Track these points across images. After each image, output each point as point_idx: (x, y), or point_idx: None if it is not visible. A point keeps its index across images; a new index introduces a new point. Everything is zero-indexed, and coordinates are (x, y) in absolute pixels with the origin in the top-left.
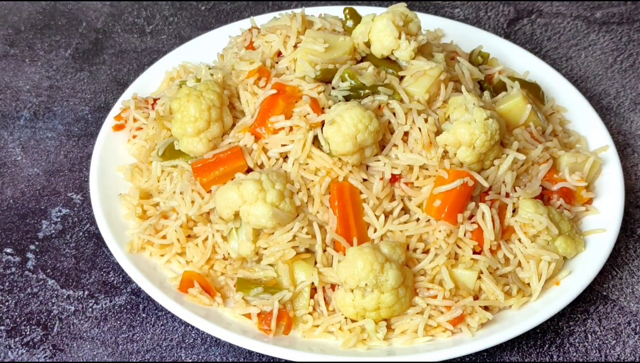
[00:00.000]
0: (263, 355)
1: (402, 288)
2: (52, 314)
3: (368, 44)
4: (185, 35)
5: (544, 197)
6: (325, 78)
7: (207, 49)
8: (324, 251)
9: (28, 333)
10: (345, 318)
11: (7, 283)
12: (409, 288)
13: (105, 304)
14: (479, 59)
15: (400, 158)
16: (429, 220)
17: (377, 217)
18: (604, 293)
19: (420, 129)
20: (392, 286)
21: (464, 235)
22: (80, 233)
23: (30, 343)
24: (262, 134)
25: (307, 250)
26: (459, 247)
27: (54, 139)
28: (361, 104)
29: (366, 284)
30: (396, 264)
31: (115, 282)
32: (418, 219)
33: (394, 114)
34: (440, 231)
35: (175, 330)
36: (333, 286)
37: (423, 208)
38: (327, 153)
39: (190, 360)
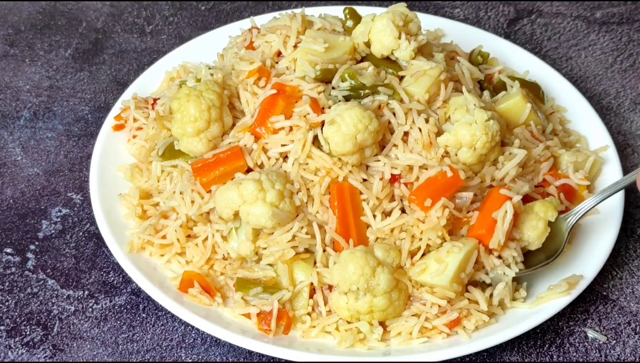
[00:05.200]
0: (263, 355)
1: (396, 291)
2: (52, 314)
3: (368, 44)
4: (185, 35)
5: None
6: (325, 78)
7: (207, 49)
8: (324, 251)
9: (28, 333)
10: (342, 319)
11: (7, 283)
12: (403, 292)
13: (105, 304)
14: (479, 58)
15: (400, 158)
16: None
17: (375, 217)
18: (604, 293)
19: (420, 129)
20: (384, 290)
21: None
22: (80, 233)
23: (30, 343)
24: (262, 134)
25: (307, 250)
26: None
27: (54, 139)
28: (361, 104)
29: (358, 288)
30: (389, 268)
31: (115, 282)
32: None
33: (394, 114)
34: (418, 218)
35: (175, 330)
36: (331, 287)
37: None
38: (327, 153)
39: (190, 360)
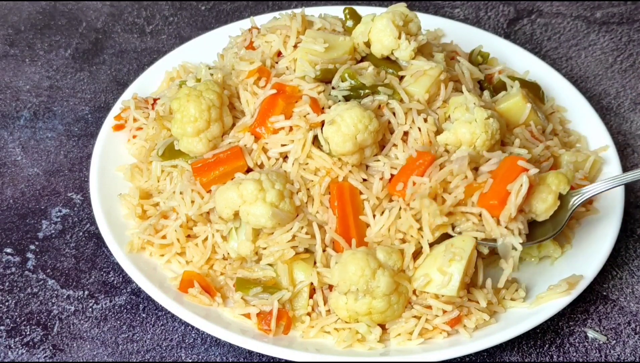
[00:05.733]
0: (263, 355)
1: (395, 295)
2: (52, 314)
3: (368, 44)
4: (185, 35)
5: None
6: (325, 78)
7: (207, 49)
8: (324, 251)
9: (28, 333)
10: (341, 319)
11: (7, 283)
12: (403, 295)
13: (105, 304)
14: (479, 58)
15: (399, 158)
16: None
17: (375, 217)
18: (604, 293)
19: (420, 128)
20: (384, 293)
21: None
22: (80, 233)
23: (30, 343)
24: (262, 134)
25: (307, 250)
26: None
27: (54, 139)
28: (361, 104)
29: (357, 289)
30: (390, 271)
31: (115, 282)
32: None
33: (394, 114)
34: (409, 209)
35: (175, 330)
36: (331, 287)
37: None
38: (327, 152)
39: (190, 360)
